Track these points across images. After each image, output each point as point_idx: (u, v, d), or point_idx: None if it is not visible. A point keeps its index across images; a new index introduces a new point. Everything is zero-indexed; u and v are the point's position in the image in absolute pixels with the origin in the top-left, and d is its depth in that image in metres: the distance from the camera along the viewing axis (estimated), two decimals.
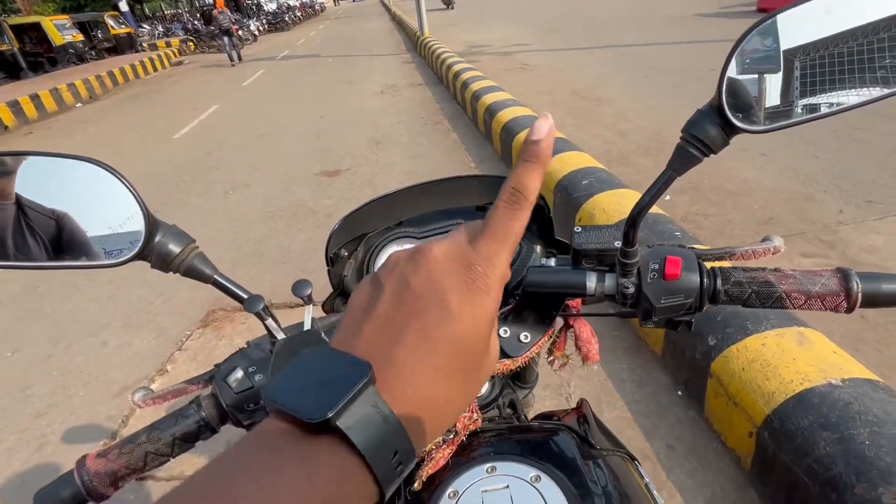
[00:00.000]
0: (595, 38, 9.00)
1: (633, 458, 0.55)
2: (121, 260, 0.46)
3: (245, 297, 0.49)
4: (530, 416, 0.81)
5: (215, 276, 0.49)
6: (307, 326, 0.48)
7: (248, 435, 0.24)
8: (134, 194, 0.44)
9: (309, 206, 3.82)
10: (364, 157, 4.70)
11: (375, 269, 0.67)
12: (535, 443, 0.53)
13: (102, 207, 0.45)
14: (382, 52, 12.04)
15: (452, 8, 20.22)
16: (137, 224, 0.45)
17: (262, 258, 3.10)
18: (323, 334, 0.49)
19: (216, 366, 0.55)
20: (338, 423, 0.22)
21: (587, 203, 2.36)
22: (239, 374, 0.50)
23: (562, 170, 2.74)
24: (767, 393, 1.32)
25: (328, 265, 0.69)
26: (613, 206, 2.26)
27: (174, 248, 0.47)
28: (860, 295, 0.44)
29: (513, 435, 0.57)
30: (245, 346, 0.57)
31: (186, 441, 0.49)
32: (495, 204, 0.27)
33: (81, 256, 0.46)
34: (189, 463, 1.76)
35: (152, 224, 0.46)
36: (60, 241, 0.46)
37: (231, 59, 13.34)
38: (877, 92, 0.40)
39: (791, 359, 1.36)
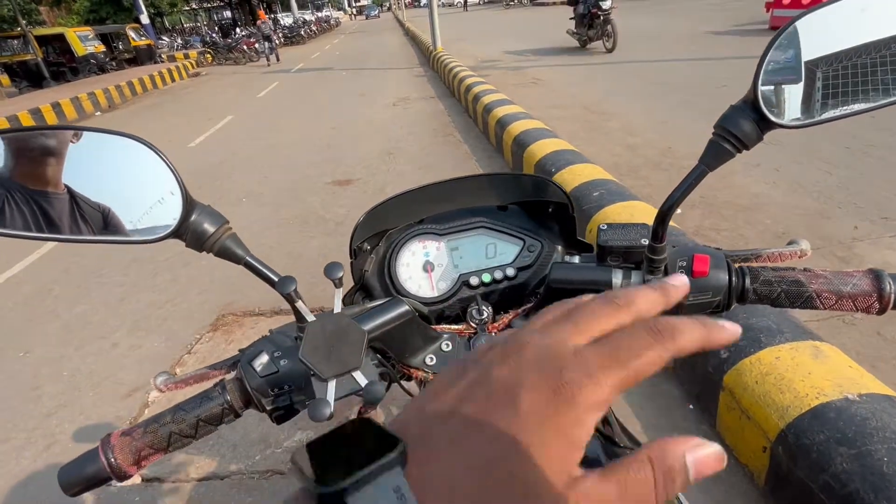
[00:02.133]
0: (606, 55, 9.05)
1: None
2: (158, 237, 0.46)
3: (276, 279, 0.50)
4: None
5: (247, 258, 0.50)
6: (337, 309, 0.48)
7: None
8: (173, 172, 0.45)
9: (320, 214, 3.85)
10: (375, 168, 4.74)
11: (397, 266, 0.68)
12: None
13: (143, 184, 0.46)
14: (395, 65, 12.21)
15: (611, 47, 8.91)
16: (175, 202, 0.46)
17: (272, 265, 3.11)
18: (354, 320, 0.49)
19: (241, 350, 0.55)
20: (347, 500, 0.19)
21: (598, 214, 2.36)
22: (265, 358, 0.50)
23: (573, 181, 2.74)
24: (782, 407, 1.29)
25: (351, 258, 0.69)
26: (624, 217, 2.25)
27: (209, 228, 0.48)
28: (893, 296, 0.44)
29: None
30: (268, 333, 0.57)
31: (210, 423, 0.49)
32: (636, 325, 0.23)
33: (122, 232, 0.47)
34: (206, 452, 1.76)
35: (189, 203, 0.46)
36: (106, 223, 0.47)
37: (268, 60, 16.92)
38: None
39: (806, 372, 1.33)
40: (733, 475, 1.46)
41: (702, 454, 0.21)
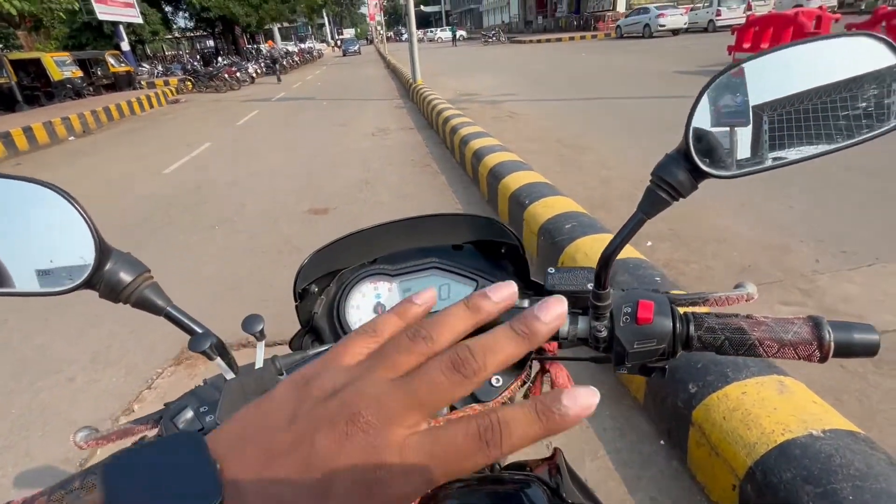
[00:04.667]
0: (580, 91, 9.38)
1: None
2: (66, 288, 0.43)
3: (197, 332, 0.47)
4: (505, 464, 0.78)
5: (168, 309, 0.47)
6: (259, 364, 0.46)
7: None
8: (84, 218, 0.42)
9: (294, 243, 3.80)
10: (353, 197, 4.74)
11: (346, 308, 0.66)
12: (503, 495, 0.50)
13: (51, 232, 0.43)
14: (376, 97, 12.40)
15: None
16: (87, 251, 0.43)
17: (243, 294, 3.04)
18: (285, 373, 0.46)
19: (166, 405, 0.52)
20: None
21: (570, 247, 2.38)
22: (189, 414, 0.47)
23: (545, 214, 2.78)
24: (749, 443, 1.29)
25: (296, 300, 0.67)
26: (595, 250, 2.28)
27: (125, 277, 0.45)
28: (832, 344, 0.43)
29: (480, 486, 0.54)
30: (201, 384, 0.54)
31: None
32: (436, 362, 0.23)
33: (21, 283, 0.43)
34: None
35: (103, 251, 0.43)
36: (8, 274, 0.43)
37: (278, 79, 20.46)
38: (840, 141, 0.41)
39: (772, 408, 1.34)
40: None
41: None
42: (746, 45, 9.07)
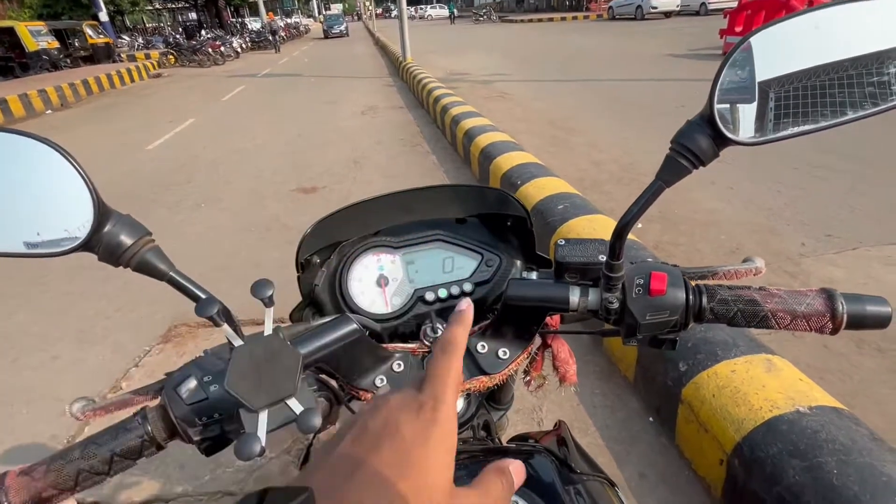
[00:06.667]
0: (571, 72, 9.31)
1: (612, 484, 0.52)
2: (63, 249, 0.41)
3: (200, 297, 0.45)
4: (504, 439, 0.78)
5: (171, 273, 0.45)
6: (268, 331, 0.44)
7: None
8: (83, 177, 0.40)
9: (283, 221, 3.75)
10: (341, 176, 4.68)
11: (349, 280, 0.64)
12: None
13: (46, 191, 0.40)
14: (365, 74, 12.17)
15: None
16: (86, 211, 0.40)
17: (231, 272, 3.00)
18: (288, 342, 0.45)
19: (167, 374, 0.50)
20: None
21: (562, 227, 2.38)
22: (192, 383, 0.45)
23: (538, 195, 2.77)
24: (737, 420, 1.32)
25: (298, 271, 0.66)
26: (588, 231, 2.28)
27: (126, 240, 0.43)
28: (845, 316, 0.43)
29: (488, 457, 0.54)
30: (202, 354, 0.52)
31: (127, 457, 0.43)
32: (434, 354, 0.34)
33: (15, 244, 0.41)
34: (151, 471, 1.65)
35: (102, 212, 0.41)
36: None
37: (277, 50, 21.71)
38: (866, 108, 0.40)
39: (760, 385, 1.36)
40: (691, 486, 1.48)
41: (519, 467, 0.32)
42: (738, 29, 9.04)
